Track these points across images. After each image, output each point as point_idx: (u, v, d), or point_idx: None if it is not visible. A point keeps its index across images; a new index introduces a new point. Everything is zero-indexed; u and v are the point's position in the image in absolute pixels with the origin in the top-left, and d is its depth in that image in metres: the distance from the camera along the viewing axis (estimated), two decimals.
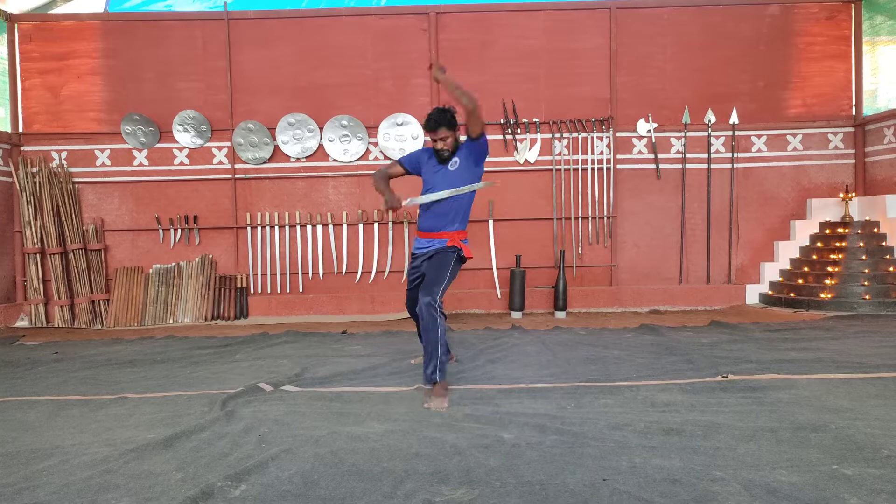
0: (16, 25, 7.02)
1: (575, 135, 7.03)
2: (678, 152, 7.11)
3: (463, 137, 3.67)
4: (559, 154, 7.04)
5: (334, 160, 7.05)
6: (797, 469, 2.25)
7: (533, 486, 2.16)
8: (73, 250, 6.74)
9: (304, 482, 2.24)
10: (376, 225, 7.01)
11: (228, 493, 2.16)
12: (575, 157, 7.04)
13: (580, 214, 7.04)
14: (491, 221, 6.89)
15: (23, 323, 6.80)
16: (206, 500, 2.12)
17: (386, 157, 6.99)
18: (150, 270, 6.91)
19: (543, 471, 2.28)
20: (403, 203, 3.55)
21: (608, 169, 7.03)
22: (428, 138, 4.09)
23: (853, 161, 7.17)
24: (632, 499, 2.05)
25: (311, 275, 7.03)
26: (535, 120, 7.03)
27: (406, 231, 7.00)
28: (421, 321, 3.38)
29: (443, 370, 3.32)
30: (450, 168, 3.64)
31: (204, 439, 2.72)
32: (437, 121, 3.55)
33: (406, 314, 6.76)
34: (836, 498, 2.02)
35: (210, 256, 7.01)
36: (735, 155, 7.10)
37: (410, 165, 3.84)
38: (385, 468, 2.35)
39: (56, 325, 6.70)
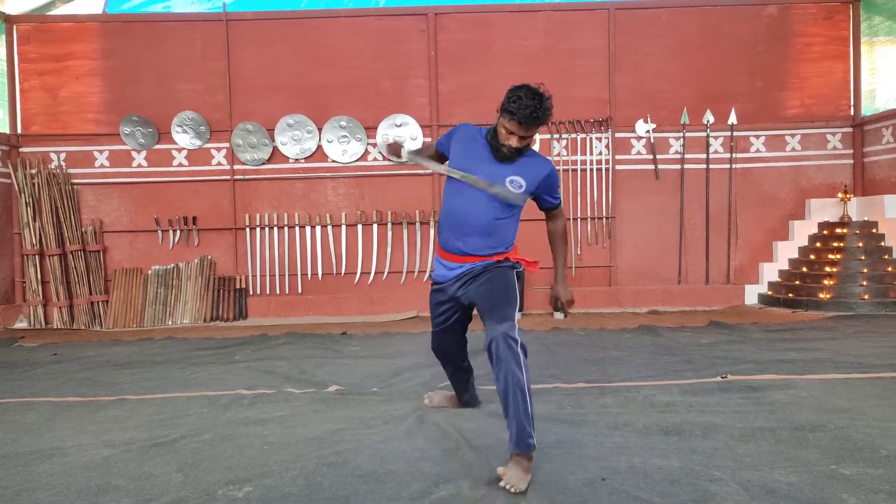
0: (14, 27, 7.01)
1: (574, 135, 7.04)
2: (677, 153, 7.12)
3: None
4: (558, 155, 7.05)
5: (333, 161, 7.05)
6: (795, 469, 2.25)
7: (533, 485, 2.16)
8: (71, 252, 6.74)
9: (307, 484, 2.24)
10: (375, 226, 7.00)
11: (233, 495, 2.16)
12: (574, 157, 7.04)
13: (579, 215, 7.05)
14: None
15: (21, 324, 6.79)
16: (210, 501, 2.12)
17: (385, 158, 6.99)
18: (149, 272, 6.90)
19: (543, 471, 2.28)
20: (402, 155, 2.69)
21: (607, 169, 7.03)
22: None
23: (851, 161, 7.18)
24: (630, 498, 2.06)
25: (310, 276, 7.03)
26: None
27: (405, 231, 7.00)
28: (496, 362, 2.25)
29: (531, 434, 2.20)
30: (508, 184, 2.52)
31: (205, 441, 2.72)
32: (538, 118, 2.39)
33: (406, 314, 6.77)
34: (835, 498, 2.03)
35: (209, 257, 7.00)
36: (734, 155, 7.10)
37: (444, 146, 2.74)
38: (389, 470, 2.35)
39: (55, 327, 6.70)
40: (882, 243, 6.62)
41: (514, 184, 2.51)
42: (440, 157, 2.77)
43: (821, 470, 2.24)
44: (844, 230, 6.72)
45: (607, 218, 7.05)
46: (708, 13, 7.12)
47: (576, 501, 2.05)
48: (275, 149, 7.01)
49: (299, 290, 7.03)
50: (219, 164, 7.07)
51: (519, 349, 2.24)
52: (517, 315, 2.40)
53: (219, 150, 7.07)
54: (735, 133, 7.09)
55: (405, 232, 7.00)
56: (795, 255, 7.06)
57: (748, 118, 7.11)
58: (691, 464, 2.33)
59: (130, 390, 3.71)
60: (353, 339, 5.48)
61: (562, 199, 2.74)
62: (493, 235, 2.57)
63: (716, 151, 7.13)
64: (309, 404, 3.27)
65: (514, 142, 2.45)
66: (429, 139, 7.00)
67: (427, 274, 7.00)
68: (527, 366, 2.25)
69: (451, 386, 3.12)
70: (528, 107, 2.35)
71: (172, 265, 6.94)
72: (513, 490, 2.11)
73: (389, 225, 6.99)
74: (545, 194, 2.65)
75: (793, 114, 7.19)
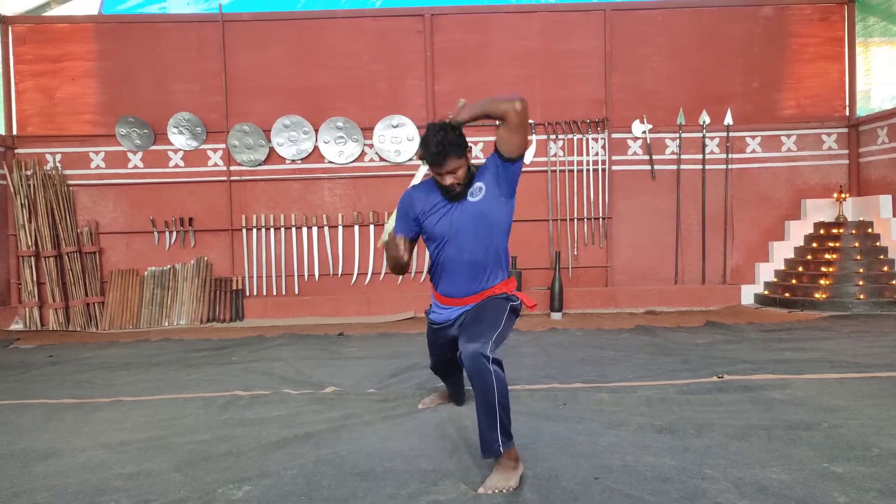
0: (9, 27, 7.00)
1: (570, 136, 7.05)
2: (673, 153, 7.14)
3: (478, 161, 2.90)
4: (554, 155, 7.06)
5: (330, 162, 7.05)
6: (787, 467, 2.27)
7: (526, 484, 2.17)
8: (67, 253, 6.73)
9: (307, 483, 2.24)
10: (372, 226, 7.01)
11: (232, 494, 2.17)
12: (570, 158, 7.06)
13: (575, 216, 7.06)
14: None
15: (17, 326, 6.78)
16: (210, 501, 2.13)
17: (381, 159, 7.00)
18: (146, 273, 6.90)
19: (536, 469, 2.30)
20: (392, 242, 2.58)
21: (603, 170, 7.05)
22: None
23: (847, 161, 7.21)
24: (622, 496, 2.07)
25: (306, 277, 7.03)
26: (530, 121, 7.04)
27: None
28: (469, 377, 2.30)
29: (508, 436, 2.24)
30: (471, 199, 2.55)
31: (203, 441, 2.73)
32: (442, 150, 2.44)
33: (403, 315, 6.77)
34: (825, 495, 2.04)
35: (205, 259, 7.00)
36: (730, 156, 7.13)
37: (408, 228, 2.69)
38: (387, 468, 2.36)
39: (51, 329, 6.69)
40: (877, 243, 6.64)
41: (476, 192, 2.55)
42: (412, 240, 2.74)
43: (813, 468, 2.25)
44: (840, 230, 6.74)
45: (604, 218, 7.07)
46: (704, 14, 7.15)
47: (568, 499, 2.06)
48: (271, 150, 7.02)
49: (296, 291, 7.03)
50: (215, 165, 7.07)
51: (491, 365, 2.23)
52: (495, 337, 2.36)
53: (215, 151, 7.07)
54: (731, 133, 7.11)
55: None
56: (791, 255, 7.09)
57: (744, 119, 7.14)
58: (684, 462, 2.34)
59: (126, 392, 3.71)
60: (350, 339, 5.48)
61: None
62: (486, 264, 2.62)
63: (712, 152, 7.15)
64: (306, 405, 3.28)
65: (449, 180, 2.52)
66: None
67: (423, 275, 7.01)
68: (499, 377, 2.24)
69: (445, 386, 3.24)
70: (432, 144, 2.44)
71: (169, 266, 6.94)
72: (502, 491, 2.13)
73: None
74: (498, 162, 2.55)
75: (788, 114, 7.22)
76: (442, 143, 2.44)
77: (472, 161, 2.62)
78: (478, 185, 2.57)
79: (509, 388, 3.48)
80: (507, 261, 2.73)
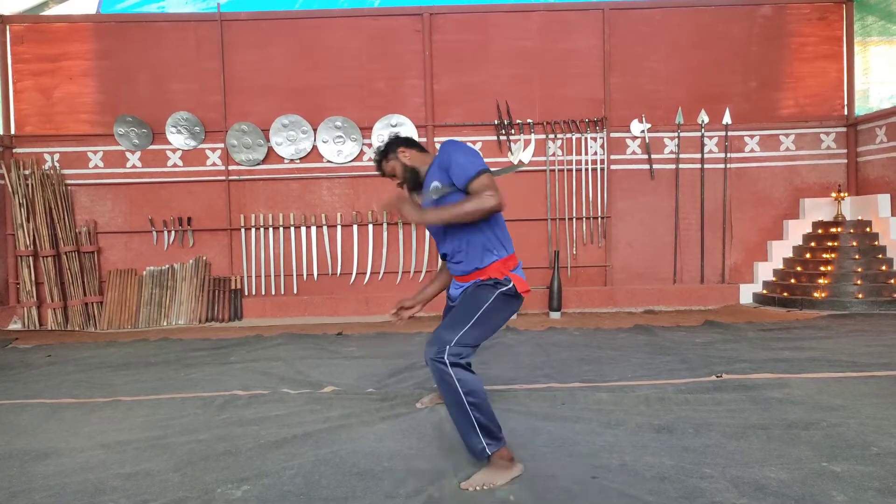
0: (7, 27, 6.99)
1: (569, 135, 7.05)
2: (672, 153, 7.14)
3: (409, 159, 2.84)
4: (553, 155, 7.06)
5: (328, 161, 7.05)
6: (786, 466, 2.27)
7: (523, 483, 2.18)
8: (65, 253, 6.72)
9: (305, 482, 2.25)
10: (370, 226, 7.01)
11: (231, 494, 2.17)
12: (569, 157, 7.06)
13: (574, 215, 7.06)
14: None
15: (15, 326, 6.77)
16: (208, 500, 2.13)
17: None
18: (144, 272, 6.89)
19: (534, 469, 2.30)
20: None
21: (602, 169, 7.05)
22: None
23: (845, 161, 7.21)
24: (620, 496, 2.07)
25: (305, 276, 7.03)
26: (528, 121, 7.05)
27: (400, 231, 7.01)
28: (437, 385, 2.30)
29: (493, 436, 2.23)
30: (433, 196, 2.59)
31: (202, 441, 2.73)
32: (377, 162, 2.92)
33: None
34: (824, 494, 2.04)
35: (204, 258, 7.00)
36: (728, 155, 7.13)
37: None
38: (386, 467, 2.36)
39: (49, 328, 6.68)
40: (876, 242, 6.65)
41: (436, 191, 2.57)
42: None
43: (811, 467, 2.25)
44: (838, 229, 6.75)
45: (602, 218, 7.07)
46: (702, 13, 7.15)
47: (565, 498, 2.07)
48: (270, 149, 7.01)
49: (295, 291, 7.03)
50: (213, 164, 7.07)
51: (450, 368, 2.19)
52: (464, 333, 2.29)
53: (213, 150, 7.06)
54: (729, 133, 7.11)
55: (401, 232, 7.00)
56: (790, 254, 7.10)
57: (742, 118, 7.14)
58: (682, 461, 2.34)
59: (125, 392, 3.71)
60: (349, 339, 5.48)
61: (474, 176, 2.46)
62: (462, 249, 2.61)
63: (710, 151, 7.15)
64: (305, 404, 3.28)
65: (396, 181, 2.86)
66: (424, 139, 7.01)
67: (422, 275, 7.02)
68: (463, 378, 2.20)
69: None
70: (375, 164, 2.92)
71: (167, 266, 6.93)
72: (483, 487, 2.15)
73: (385, 225, 7.00)
74: (450, 175, 2.51)
75: (787, 114, 7.22)
76: (376, 162, 2.93)
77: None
78: (434, 184, 2.58)
79: (508, 387, 3.50)
80: (494, 240, 2.61)
